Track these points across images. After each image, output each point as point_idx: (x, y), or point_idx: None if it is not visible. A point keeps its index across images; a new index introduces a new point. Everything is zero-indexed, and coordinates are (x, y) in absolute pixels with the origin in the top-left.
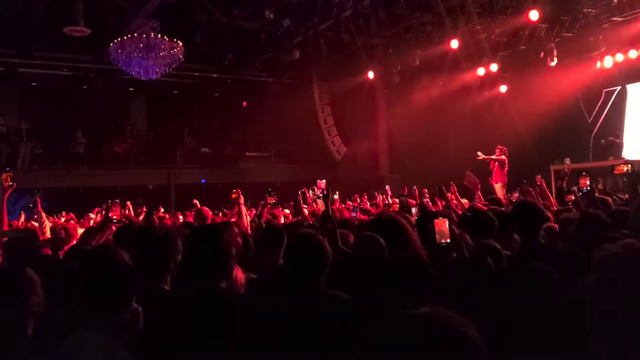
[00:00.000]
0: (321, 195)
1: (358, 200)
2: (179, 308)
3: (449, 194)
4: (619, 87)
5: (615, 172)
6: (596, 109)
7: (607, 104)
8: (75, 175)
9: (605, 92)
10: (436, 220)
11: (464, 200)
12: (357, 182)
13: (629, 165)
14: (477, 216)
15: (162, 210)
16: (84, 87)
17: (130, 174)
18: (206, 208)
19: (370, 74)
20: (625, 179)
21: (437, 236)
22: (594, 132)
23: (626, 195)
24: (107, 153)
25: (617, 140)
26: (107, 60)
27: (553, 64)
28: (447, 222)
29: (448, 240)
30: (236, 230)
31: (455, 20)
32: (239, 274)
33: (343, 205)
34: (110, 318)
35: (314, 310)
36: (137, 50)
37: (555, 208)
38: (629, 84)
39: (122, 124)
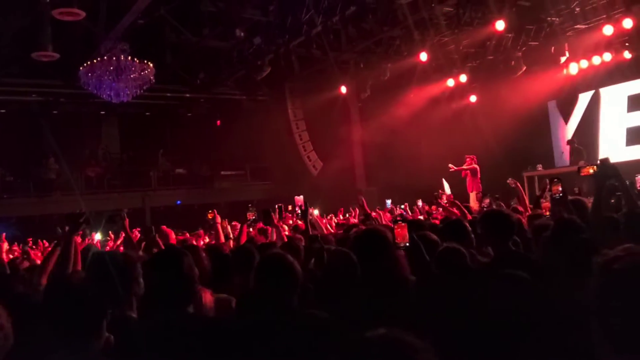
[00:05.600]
0: (299, 211)
1: (341, 216)
2: (148, 337)
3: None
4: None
5: (581, 174)
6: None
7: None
8: (48, 202)
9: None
10: (396, 226)
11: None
12: (335, 197)
13: (594, 166)
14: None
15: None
16: (55, 112)
17: (105, 198)
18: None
19: (343, 89)
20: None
21: (397, 240)
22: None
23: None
24: (80, 178)
25: (578, 146)
26: (78, 85)
27: (521, 72)
28: (406, 227)
29: (407, 244)
30: (202, 252)
31: (424, 33)
32: (207, 297)
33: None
34: (81, 348)
35: (287, 330)
36: (108, 73)
37: (529, 212)
38: (597, 88)
39: (95, 148)
